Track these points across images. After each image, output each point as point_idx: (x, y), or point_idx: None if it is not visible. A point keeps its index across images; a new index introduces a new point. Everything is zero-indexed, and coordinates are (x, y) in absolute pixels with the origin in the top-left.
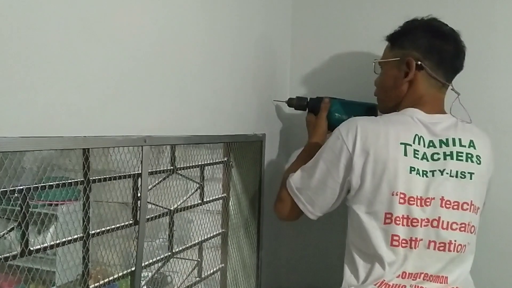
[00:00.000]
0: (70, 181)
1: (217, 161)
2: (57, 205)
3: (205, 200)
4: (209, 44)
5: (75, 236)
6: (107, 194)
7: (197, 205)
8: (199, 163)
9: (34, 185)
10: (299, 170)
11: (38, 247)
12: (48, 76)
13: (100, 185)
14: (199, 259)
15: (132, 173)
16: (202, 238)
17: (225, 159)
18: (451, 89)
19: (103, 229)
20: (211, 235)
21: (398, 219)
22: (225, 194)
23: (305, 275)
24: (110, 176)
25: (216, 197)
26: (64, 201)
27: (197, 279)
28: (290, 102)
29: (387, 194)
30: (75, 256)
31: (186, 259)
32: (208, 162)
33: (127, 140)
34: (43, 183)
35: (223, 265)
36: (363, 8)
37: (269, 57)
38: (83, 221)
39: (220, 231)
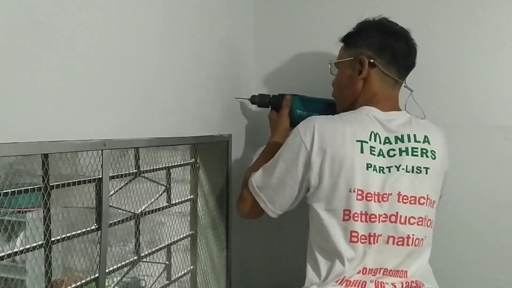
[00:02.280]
0: (29, 187)
1: (183, 163)
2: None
3: (172, 202)
4: (169, 44)
5: (34, 244)
6: (76, 199)
7: (164, 207)
8: (165, 166)
9: None
10: (260, 169)
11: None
12: (1, 82)
13: (69, 190)
14: (167, 262)
15: (93, 177)
16: (171, 241)
17: (192, 160)
18: (404, 86)
19: (64, 235)
20: (180, 237)
21: (356, 215)
22: (192, 196)
23: (275, 275)
24: (70, 181)
25: (184, 199)
26: (33, 208)
27: (167, 282)
28: (253, 100)
29: (344, 191)
30: (43, 264)
31: (154, 262)
32: (174, 164)
33: (86, 145)
34: (6, 189)
35: (192, 267)
36: (325, 8)
37: (233, 56)
38: (47, 228)
39: (189, 233)
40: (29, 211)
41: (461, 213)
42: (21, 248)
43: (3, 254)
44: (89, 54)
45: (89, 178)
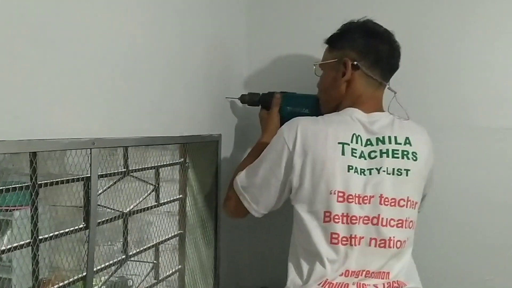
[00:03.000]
0: (17, 185)
1: (172, 162)
2: (12, 210)
3: (161, 202)
4: (159, 43)
5: (22, 242)
6: (64, 197)
7: (153, 207)
8: (154, 165)
9: None
10: (245, 169)
11: None
12: None
13: (57, 189)
14: (155, 261)
15: (81, 176)
16: (159, 240)
17: (181, 160)
18: (388, 88)
19: (52, 234)
20: (169, 236)
21: (337, 217)
22: (181, 196)
23: (264, 274)
24: (58, 180)
25: (173, 198)
26: (21, 206)
27: (155, 281)
28: (243, 99)
29: (325, 193)
30: (30, 263)
31: (142, 261)
32: (164, 163)
33: (75, 143)
34: None
35: (180, 266)
36: (316, 8)
37: (223, 56)
38: (35, 226)
39: (177, 232)
40: (16, 209)
41: (452, 213)
42: (8, 246)
43: None
44: (78, 52)
45: (78, 177)
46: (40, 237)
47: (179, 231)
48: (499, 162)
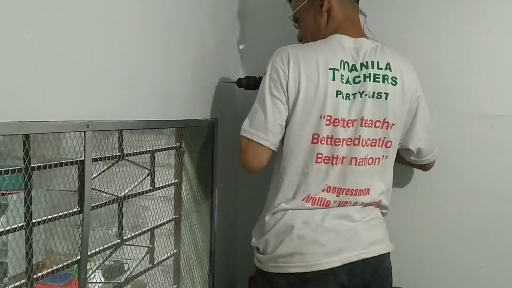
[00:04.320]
0: (10, 168)
1: (168, 146)
2: (7, 194)
3: (156, 186)
4: (156, 25)
5: (15, 226)
6: (58, 181)
7: (148, 191)
8: (149, 149)
9: None
10: (247, 117)
11: None
12: None
13: (51, 172)
14: (150, 246)
15: (75, 159)
16: (154, 225)
17: (177, 145)
18: (360, 11)
19: (46, 217)
20: (164, 221)
21: (323, 139)
22: (177, 180)
23: None
24: (52, 163)
25: (168, 183)
26: (16, 191)
27: (150, 265)
28: (239, 82)
29: (316, 117)
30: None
31: (137, 245)
32: (159, 148)
33: (68, 126)
34: None
35: (176, 250)
36: None
37: (220, 40)
38: (28, 209)
39: (172, 217)
40: (11, 193)
41: (445, 200)
42: (1, 230)
43: None
44: (74, 33)
45: (71, 160)
46: (34, 221)
47: (175, 216)
48: (494, 149)
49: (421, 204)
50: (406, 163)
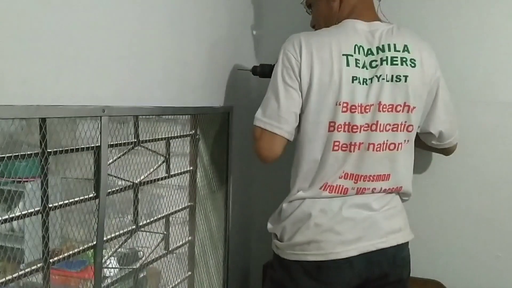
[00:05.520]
0: (27, 153)
1: (183, 134)
2: (24, 182)
3: (171, 173)
4: (172, 11)
5: (31, 210)
6: (75, 166)
7: (163, 178)
8: (165, 136)
9: None
10: (260, 105)
11: None
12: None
13: (68, 157)
14: (165, 232)
15: (91, 145)
16: (169, 212)
17: (192, 132)
18: None
19: (62, 202)
20: (178, 208)
21: (340, 126)
22: (192, 168)
23: None
24: (68, 148)
25: (183, 170)
26: (33, 178)
27: (164, 251)
28: (254, 70)
29: (332, 104)
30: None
31: (152, 232)
32: (174, 135)
33: (84, 110)
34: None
35: (190, 237)
36: None
37: (236, 27)
38: (45, 193)
39: (187, 204)
40: (28, 181)
41: (463, 189)
42: (17, 214)
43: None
44: (90, 17)
45: (88, 146)
46: (50, 205)
47: (189, 203)
48: None
49: (438, 193)
50: (427, 148)
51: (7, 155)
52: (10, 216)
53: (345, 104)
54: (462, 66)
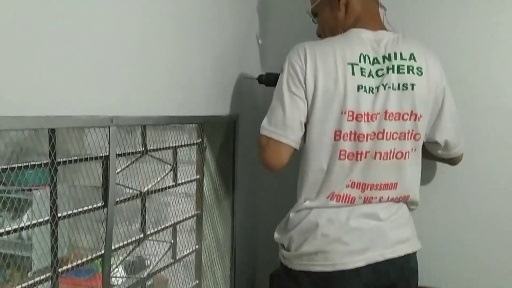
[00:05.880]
0: (36, 162)
1: (190, 142)
2: (31, 190)
3: (178, 182)
4: (179, 21)
5: (41, 220)
6: (83, 175)
7: (171, 187)
8: (172, 145)
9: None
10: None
11: (2, 230)
12: (7, 53)
13: (76, 167)
14: (172, 241)
15: (100, 155)
16: (176, 220)
17: (199, 140)
18: (379, 3)
19: (71, 212)
20: (186, 217)
21: (346, 135)
22: (199, 176)
23: None
24: (77, 157)
25: (190, 179)
26: (41, 186)
27: (172, 260)
28: (260, 79)
29: (337, 113)
30: (49, 241)
31: (160, 241)
32: (181, 144)
33: (93, 120)
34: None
35: (197, 246)
36: None
37: (242, 36)
38: (54, 203)
39: (194, 212)
40: (36, 189)
41: (471, 196)
42: (27, 223)
43: (9, 228)
44: (98, 28)
45: (96, 156)
46: (59, 215)
47: (196, 212)
48: None
49: (445, 200)
50: (434, 158)
51: (17, 165)
52: (20, 226)
53: (350, 113)
54: (469, 74)
